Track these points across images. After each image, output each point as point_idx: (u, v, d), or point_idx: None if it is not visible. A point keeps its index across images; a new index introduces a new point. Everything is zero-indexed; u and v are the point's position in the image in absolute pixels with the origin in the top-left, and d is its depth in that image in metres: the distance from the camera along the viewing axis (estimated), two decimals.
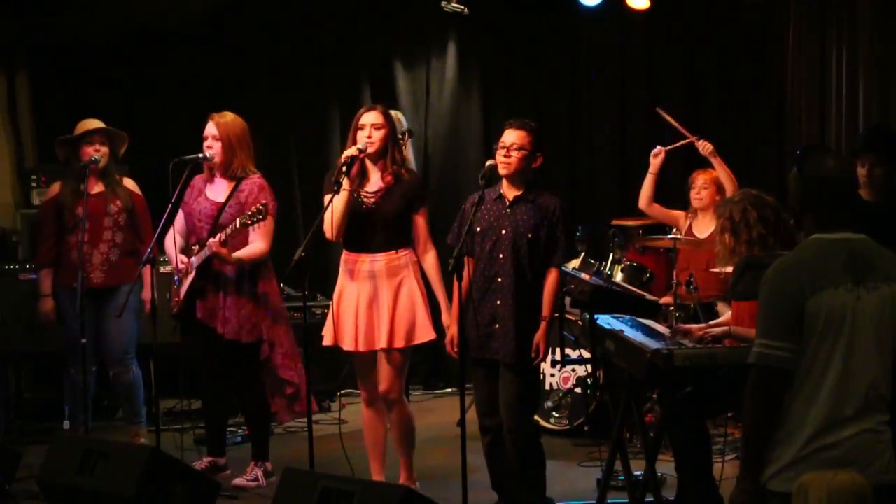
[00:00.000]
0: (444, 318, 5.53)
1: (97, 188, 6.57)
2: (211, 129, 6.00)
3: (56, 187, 6.65)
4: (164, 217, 6.00)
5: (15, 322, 7.08)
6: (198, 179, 6.11)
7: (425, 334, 5.56)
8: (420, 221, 5.59)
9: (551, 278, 5.31)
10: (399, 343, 5.51)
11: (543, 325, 5.28)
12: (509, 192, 5.38)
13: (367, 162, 5.55)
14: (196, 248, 5.98)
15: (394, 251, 5.53)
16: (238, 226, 5.74)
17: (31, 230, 7.65)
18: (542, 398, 6.88)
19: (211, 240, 5.81)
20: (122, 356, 6.57)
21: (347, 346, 5.60)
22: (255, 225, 5.75)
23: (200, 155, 5.97)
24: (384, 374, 5.56)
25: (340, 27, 8.75)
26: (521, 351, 5.28)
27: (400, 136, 6.01)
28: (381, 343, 5.50)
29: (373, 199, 5.52)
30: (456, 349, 5.31)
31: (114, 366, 6.59)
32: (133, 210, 6.62)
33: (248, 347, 5.99)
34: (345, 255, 5.67)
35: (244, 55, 8.48)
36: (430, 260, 5.61)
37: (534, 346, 5.27)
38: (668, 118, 7.25)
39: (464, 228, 5.19)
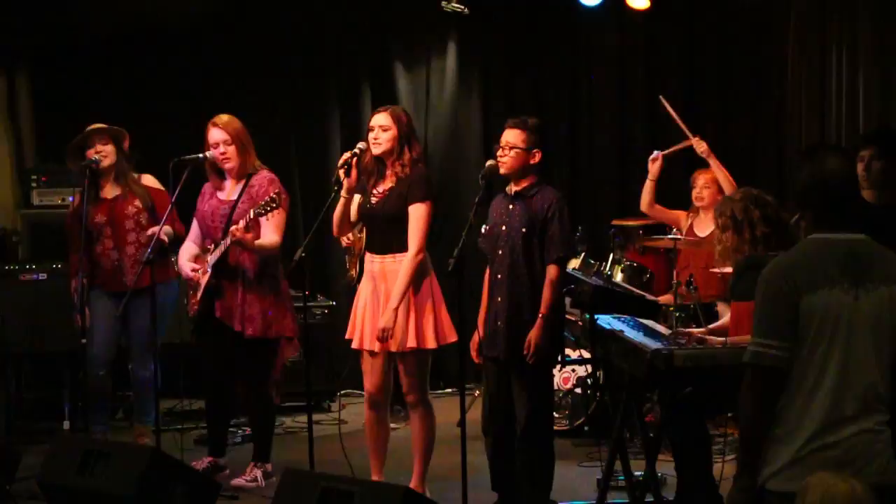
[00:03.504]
0: (388, 318, 5.35)
1: (114, 192, 6.54)
2: (220, 134, 5.98)
3: (78, 195, 6.58)
4: (164, 217, 6.00)
5: (15, 322, 7.07)
6: (207, 186, 6.12)
7: (430, 341, 5.45)
8: (412, 213, 5.41)
9: (549, 274, 5.27)
10: (406, 346, 5.44)
11: (539, 321, 5.22)
12: (512, 188, 5.41)
13: (383, 163, 5.51)
14: (212, 247, 5.98)
15: (401, 253, 5.45)
16: (252, 216, 5.70)
17: (32, 230, 7.65)
18: None
19: (233, 227, 5.75)
20: (141, 353, 6.53)
21: (355, 343, 5.59)
22: (270, 215, 5.74)
23: (201, 155, 5.97)
24: (402, 378, 5.55)
25: (340, 27, 8.75)
26: (515, 348, 5.26)
27: None
28: (393, 346, 5.44)
29: (377, 200, 5.51)
30: (475, 352, 5.40)
31: (132, 361, 6.58)
32: (154, 207, 6.55)
33: (266, 345, 5.98)
34: (365, 254, 5.68)
35: (244, 56, 8.48)
36: (407, 255, 5.39)
37: (526, 342, 5.23)
38: (669, 109, 7.24)
39: (464, 230, 5.18)
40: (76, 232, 6.43)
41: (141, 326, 6.43)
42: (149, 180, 6.67)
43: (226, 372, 6.11)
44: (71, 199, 7.19)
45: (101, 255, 6.48)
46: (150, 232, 6.23)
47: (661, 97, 7.37)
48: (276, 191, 5.77)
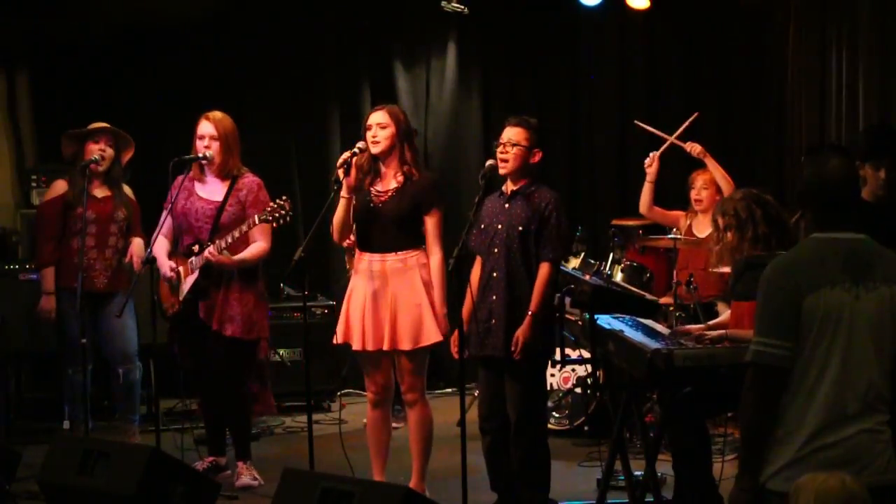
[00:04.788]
0: (440, 323, 5.45)
1: (102, 192, 6.56)
2: (208, 128, 5.97)
3: (62, 185, 6.56)
4: (164, 217, 5.99)
5: (15, 322, 7.07)
6: (180, 179, 5.99)
7: (432, 336, 5.47)
8: (429, 222, 5.48)
9: (541, 272, 5.28)
10: (404, 345, 5.44)
11: (528, 319, 5.23)
12: (508, 187, 5.41)
13: (380, 162, 5.52)
14: (196, 248, 5.97)
15: (402, 252, 5.46)
16: (257, 222, 5.72)
17: (31, 230, 7.64)
18: None
19: (208, 251, 5.81)
20: (131, 354, 6.58)
21: (356, 345, 5.57)
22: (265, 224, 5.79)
23: (201, 155, 5.96)
24: (400, 375, 5.55)
25: (340, 27, 8.75)
26: (511, 346, 5.27)
27: None
28: (386, 344, 5.46)
29: (382, 199, 5.49)
30: (456, 348, 5.34)
31: (122, 364, 6.59)
32: (131, 217, 6.63)
33: (245, 345, 6.00)
34: (357, 254, 5.65)
35: (244, 55, 8.48)
36: (434, 262, 5.48)
37: (514, 339, 5.24)
38: (649, 128, 7.27)
39: (464, 229, 5.19)
40: (56, 221, 6.46)
41: (126, 327, 6.50)
42: (127, 190, 6.70)
43: (216, 371, 6.10)
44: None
45: (76, 250, 6.39)
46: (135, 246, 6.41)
47: (636, 122, 7.40)
48: (285, 197, 5.76)
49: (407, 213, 5.45)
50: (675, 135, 7.15)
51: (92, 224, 6.46)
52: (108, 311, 6.46)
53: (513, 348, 5.24)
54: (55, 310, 6.58)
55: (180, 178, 6.00)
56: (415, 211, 5.46)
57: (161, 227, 5.99)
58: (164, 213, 6.00)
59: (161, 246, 6.00)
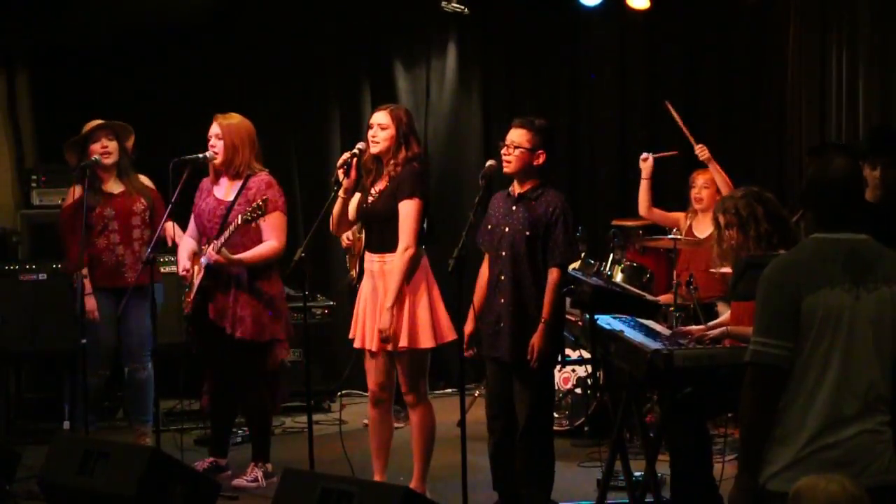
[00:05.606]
0: (385, 319, 5.35)
1: (118, 188, 6.55)
2: (214, 129, 6.02)
3: (76, 190, 6.50)
4: (164, 217, 6.01)
5: (15, 322, 7.07)
6: (205, 182, 6.13)
7: (419, 340, 5.43)
8: (401, 210, 5.36)
9: (551, 278, 5.26)
10: (390, 346, 5.42)
11: (541, 326, 5.22)
12: (516, 189, 5.40)
13: (381, 162, 5.50)
14: (206, 247, 5.98)
15: (395, 252, 5.43)
16: (240, 222, 5.74)
17: (32, 230, 7.65)
18: None
19: (208, 252, 5.82)
20: (138, 354, 6.54)
21: (356, 342, 5.58)
22: (263, 221, 5.79)
23: (201, 155, 5.98)
24: (400, 377, 5.54)
25: (340, 27, 8.75)
26: (519, 350, 5.26)
27: None
28: (374, 345, 5.46)
29: (372, 199, 5.50)
30: (465, 348, 5.36)
31: (131, 363, 6.57)
32: (153, 206, 6.58)
33: (258, 347, 5.98)
34: (364, 253, 5.68)
35: (245, 55, 8.48)
36: (397, 253, 5.37)
37: (529, 347, 5.24)
38: (675, 115, 7.24)
39: (464, 229, 5.18)
40: (78, 224, 6.33)
41: (139, 326, 6.44)
42: (144, 180, 6.68)
43: (225, 372, 6.11)
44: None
45: (104, 249, 6.44)
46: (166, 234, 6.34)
47: (667, 103, 7.34)
48: (265, 197, 5.77)
49: (390, 212, 5.40)
50: (666, 154, 7.19)
51: (114, 221, 6.47)
52: (131, 306, 6.34)
53: (529, 357, 5.22)
54: (95, 309, 6.44)
55: (204, 179, 6.09)
56: (397, 208, 5.41)
57: (162, 225, 6.01)
58: (167, 211, 6.01)
59: (186, 246, 6.05)
